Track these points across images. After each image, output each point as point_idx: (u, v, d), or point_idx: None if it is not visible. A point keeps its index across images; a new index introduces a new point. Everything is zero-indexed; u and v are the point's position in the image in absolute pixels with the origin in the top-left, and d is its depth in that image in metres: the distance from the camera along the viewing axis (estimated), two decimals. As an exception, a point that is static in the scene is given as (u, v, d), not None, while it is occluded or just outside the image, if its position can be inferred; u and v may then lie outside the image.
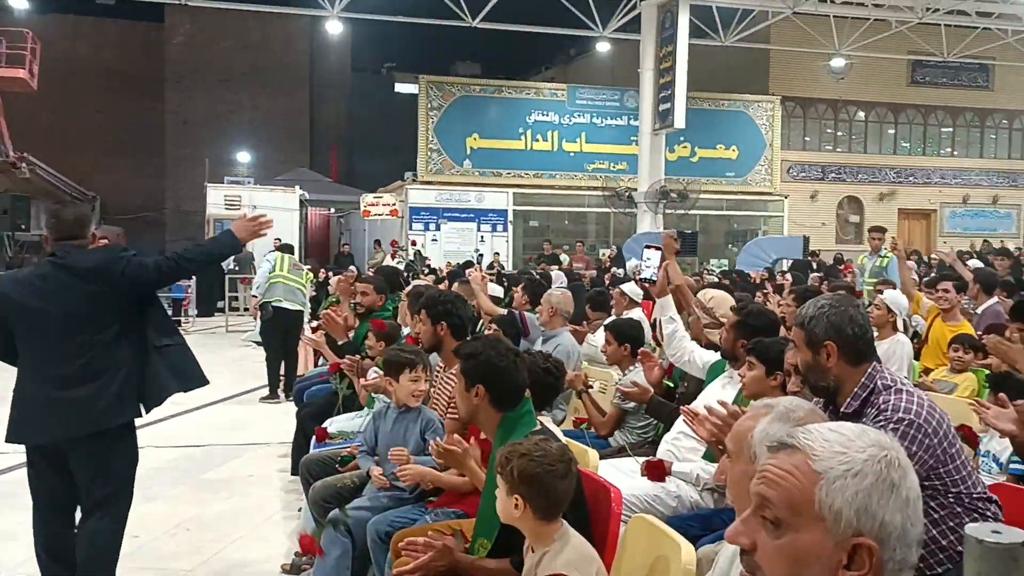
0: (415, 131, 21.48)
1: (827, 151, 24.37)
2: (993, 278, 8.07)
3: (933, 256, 19.33)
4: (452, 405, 3.90)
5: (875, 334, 6.08)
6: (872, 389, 2.52)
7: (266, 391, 9.18)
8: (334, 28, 21.14)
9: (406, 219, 21.13)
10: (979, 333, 6.22)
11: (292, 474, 5.73)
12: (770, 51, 22.35)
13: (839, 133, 24.62)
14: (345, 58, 35.76)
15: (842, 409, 2.54)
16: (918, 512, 1.21)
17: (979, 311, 6.99)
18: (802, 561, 1.22)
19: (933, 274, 11.36)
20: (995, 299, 7.30)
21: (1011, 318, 6.41)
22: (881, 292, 6.86)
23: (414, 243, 19.38)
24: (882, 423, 2.41)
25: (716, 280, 13.23)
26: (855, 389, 2.53)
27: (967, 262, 16.45)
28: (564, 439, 3.39)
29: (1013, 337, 5.08)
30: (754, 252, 18.35)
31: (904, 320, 6.57)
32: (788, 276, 11.72)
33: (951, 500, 2.46)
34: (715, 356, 4.24)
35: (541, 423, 3.01)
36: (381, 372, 4.03)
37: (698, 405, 3.97)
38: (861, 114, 24.53)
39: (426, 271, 14.14)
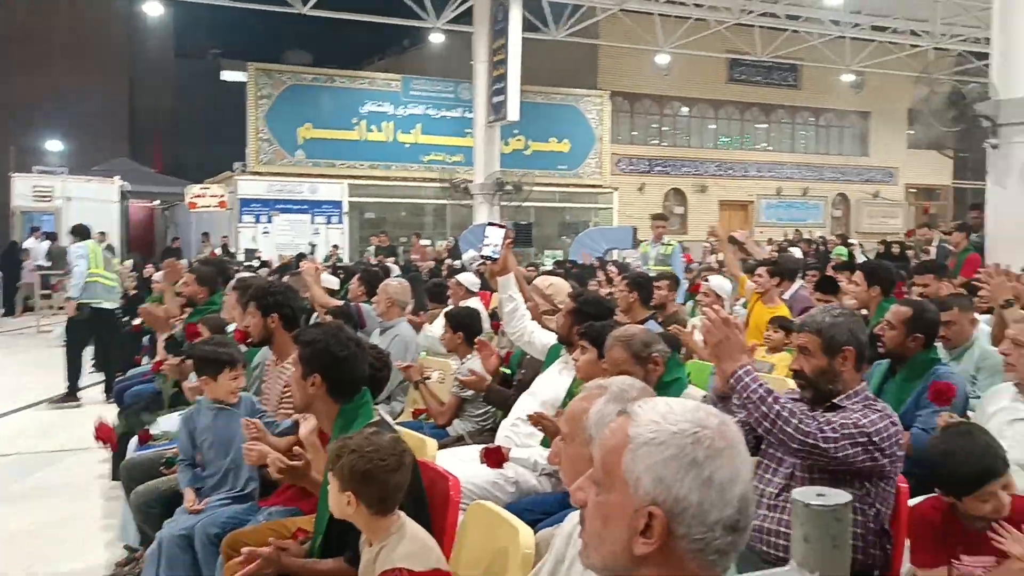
0: (244, 120, 20.71)
1: (653, 145, 25.31)
2: (796, 263, 8.66)
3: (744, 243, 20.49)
4: (284, 400, 3.76)
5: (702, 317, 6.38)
6: (865, 396, 2.68)
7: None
8: (153, 10, 20.01)
9: (235, 211, 20.35)
10: (795, 317, 6.65)
11: (113, 479, 5.39)
12: (599, 46, 22.95)
13: (664, 128, 25.63)
14: (167, 43, 33.99)
15: (833, 402, 2.67)
16: (725, 496, 1.19)
17: (786, 296, 7.44)
18: (608, 521, 1.25)
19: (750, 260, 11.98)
20: (799, 283, 7.83)
21: (814, 289, 6.87)
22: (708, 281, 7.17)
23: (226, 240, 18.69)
24: (873, 409, 2.58)
25: (550, 269, 13.49)
26: (850, 391, 2.68)
27: (789, 249, 17.54)
28: (402, 430, 3.35)
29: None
30: (585, 243, 18.82)
31: (730, 304, 6.90)
32: (612, 267, 12.02)
33: (871, 514, 2.56)
34: (555, 338, 4.30)
35: (379, 414, 2.95)
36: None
37: (535, 390, 4.03)
38: (685, 109, 25.63)
39: (257, 264, 13.67)
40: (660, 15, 20.23)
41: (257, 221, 20.58)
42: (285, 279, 8.08)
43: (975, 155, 8.53)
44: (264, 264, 13.78)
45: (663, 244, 9.49)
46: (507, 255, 4.45)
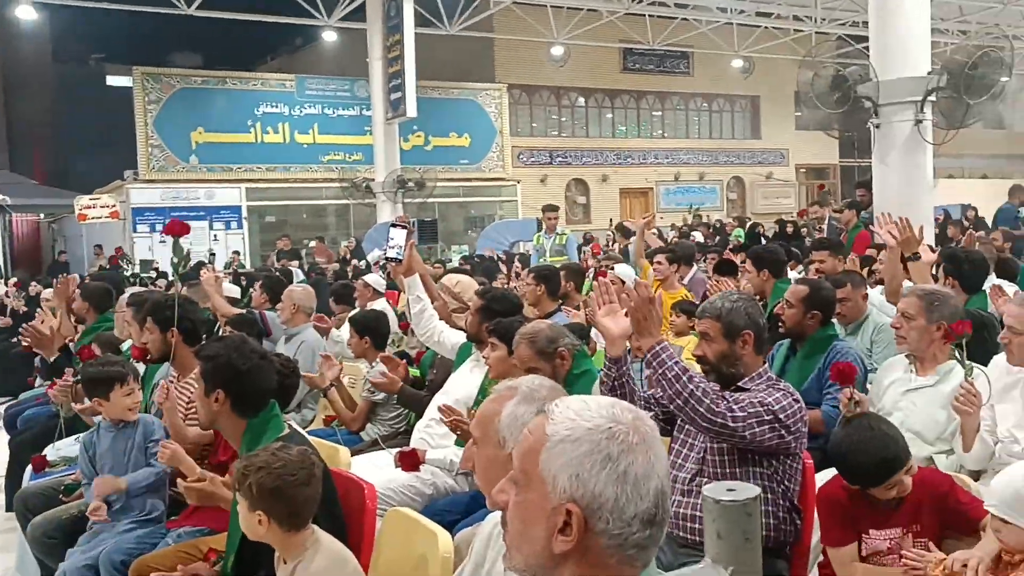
0: (132, 126, 19.98)
1: (553, 136, 25.50)
2: (691, 249, 8.88)
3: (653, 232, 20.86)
4: (189, 415, 3.64)
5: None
6: (768, 377, 2.78)
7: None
8: (26, 14, 19.08)
9: (129, 221, 19.65)
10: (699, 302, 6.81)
11: (7, 510, 5.13)
12: (494, 40, 22.98)
13: (563, 119, 25.84)
14: (44, 48, 32.47)
15: (738, 384, 2.74)
16: (640, 490, 1.21)
17: (685, 280, 7.61)
18: (528, 520, 1.26)
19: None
20: (695, 268, 8.03)
21: (714, 271, 7.05)
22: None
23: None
24: (777, 388, 2.67)
25: (457, 266, 13.46)
26: (753, 375, 2.76)
27: (691, 234, 17.88)
28: (314, 439, 3.28)
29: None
30: (492, 236, 18.88)
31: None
32: (517, 261, 12.04)
33: (780, 491, 2.63)
34: (464, 337, 4.28)
35: (290, 425, 2.87)
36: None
37: (448, 389, 4.01)
38: (581, 100, 25.89)
39: (154, 275, 13.21)
40: (552, 7, 20.37)
41: (152, 230, 19.91)
42: (184, 290, 7.82)
43: (859, 134, 8.87)
44: (161, 275, 13.32)
45: (557, 234, 9.43)
46: (411, 255, 4.42)
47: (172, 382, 3.91)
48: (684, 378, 2.51)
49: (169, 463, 3.03)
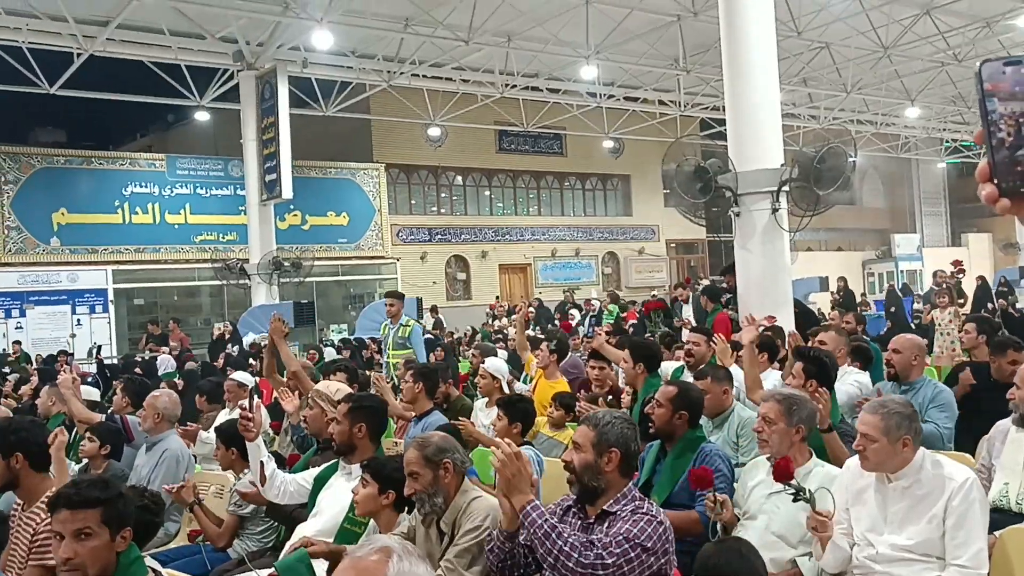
0: (-13, 208, 19.02)
1: (432, 214, 25.66)
2: (566, 338, 9.02)
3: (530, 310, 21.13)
4: (35, 550, 3.40)
5: (484, 401, 6.46)
6: (632, 497, 2.80)
7: None
8: None
9: (-18, 307, 18.54)
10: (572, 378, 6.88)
11: None
12: (371, 121, 23.13)
13: (442, 195, 26.09)
14: None
15: (604, 507, 2.77)
16: None
17: (561, 364, 7.69)
18: None
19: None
20: (570, 354, 8.15)
21: (590, 359, 7.15)
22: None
23: None
24: (641, 514, 2.70)
25: (336, 349, 13.26)
26: (618, 495, 2.79)
27: (569, 311, 18.16)
28: (170, 573, 3.11)
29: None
30: (371, 316, 18.68)
31: (509, 382, 7.02)
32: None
33: None
34: (313, 473, 4.11)
35: (152, 570, 2.72)
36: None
37: (319, 511, 3.88)
38: (459, 179, 26.23)
39: (7, 371, 12.44)
40: (429, 90, 20.71)
41: (8, 316, 18.86)
42: (43, 391, 7.38)
43: (724, 214, 9.30)
44: (16, 370, 12.55)
45: (401, 325, 8.81)
46: (259, 420, 4.25)
47: (16, 511, 3.66)
48: (553, 535, 2.60)
49: None
